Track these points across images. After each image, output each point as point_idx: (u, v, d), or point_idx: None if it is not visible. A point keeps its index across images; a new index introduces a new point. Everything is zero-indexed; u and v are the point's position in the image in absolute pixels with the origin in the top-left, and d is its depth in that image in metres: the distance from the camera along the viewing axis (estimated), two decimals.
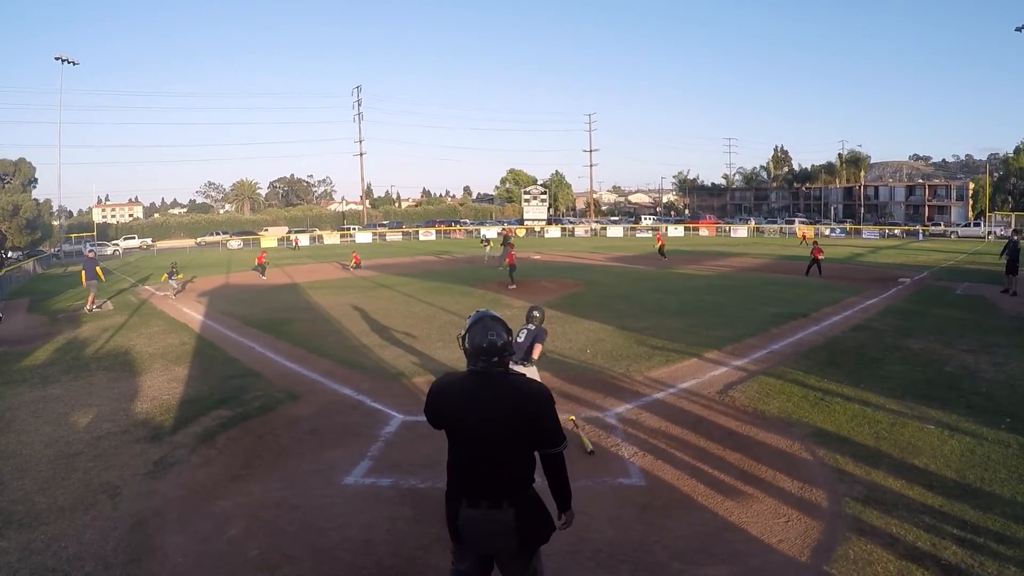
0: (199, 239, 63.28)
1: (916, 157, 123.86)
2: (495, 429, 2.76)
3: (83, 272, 16.73)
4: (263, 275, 23.87)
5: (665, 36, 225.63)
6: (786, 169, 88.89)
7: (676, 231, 60.67)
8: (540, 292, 17.36)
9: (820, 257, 21.42)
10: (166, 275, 20.56)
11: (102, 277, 16.94)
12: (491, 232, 46.41)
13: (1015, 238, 17.63)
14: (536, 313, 5.92)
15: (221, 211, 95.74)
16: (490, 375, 2.86)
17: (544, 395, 2.92)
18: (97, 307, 16.41)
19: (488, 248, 29.33)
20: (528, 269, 23.11)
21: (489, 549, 2.84)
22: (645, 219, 75.86)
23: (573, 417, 6.50)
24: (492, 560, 2.89)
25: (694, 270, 24.38)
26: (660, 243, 31.23)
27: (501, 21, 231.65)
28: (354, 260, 27.99)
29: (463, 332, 2.94)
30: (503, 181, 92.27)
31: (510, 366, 3.02)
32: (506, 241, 25.78)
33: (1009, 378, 8.02)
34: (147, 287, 22.27)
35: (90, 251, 19.61)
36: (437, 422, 2.91)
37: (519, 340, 6.19)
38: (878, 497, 4.83)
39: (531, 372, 6.06)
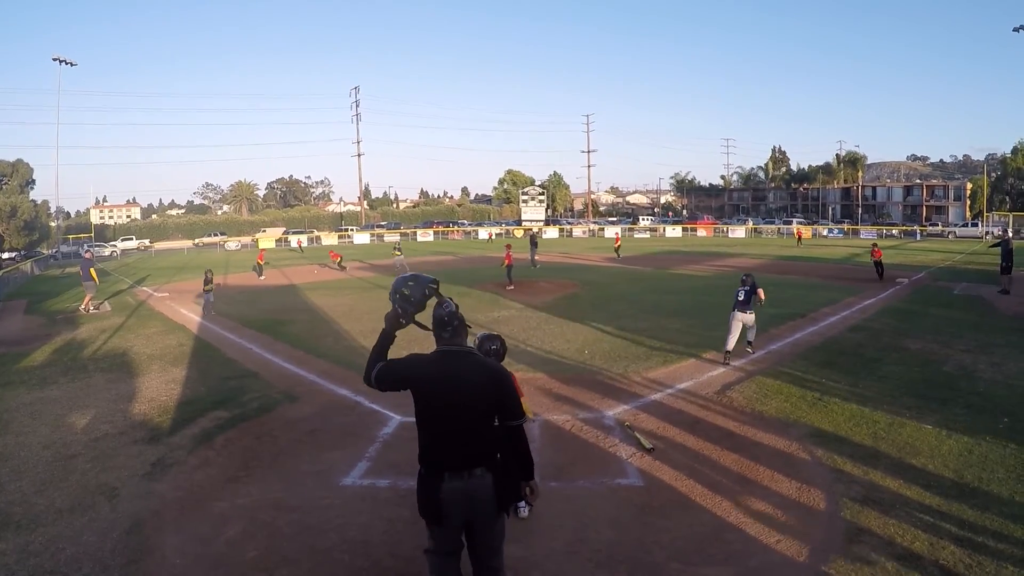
0: (197, 240, 63.24)
1: (914, 157, 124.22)
2: (471, 402, 2.99)
3: (80, 272, 16.70)
4: (261, 275, 23.84)
5: (663, 37, 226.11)
6: (784, 170, 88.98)
7: (674, 232, 60.72)
8: (537, 293, 17.37)
9: (880, 258, 20.16)
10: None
11: (95, 279, 16.79)
12: (411, 237, 46.05)
13: (1006, 238, 17.83)
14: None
15: (219, 212, 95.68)
16: (460, 353, 3.11)
17: (506, 372, 3.23)
18: (94, 308, 16.37)
19: (399, 257, 26.55)
20: (527, 270, 23.12)
21: (470, 516, 3.05)
22: (643, 220, 75.90)
23: (628, 423, 6.57)
24: (464, 532, 3.12)
25: (692, 270, 24.41)
26: (618, 243, 32.17)
27: (499, 21, 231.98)
28: (332, 257, 28.30)
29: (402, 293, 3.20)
30: (501, 182, 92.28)
31: None
32: (533, 240, 25.91)
33: (1007, 378, 8.04)
34: (146, 289, 22.23)
35: (87, 252, 19.54)
36: (395, 385, 3.17)
37: None
38: (876, 497, 4.84)
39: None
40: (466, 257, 34.57)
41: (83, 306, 16.26)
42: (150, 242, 63.45)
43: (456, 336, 3.13)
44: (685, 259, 30.04)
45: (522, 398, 4.25)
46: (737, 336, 9.13)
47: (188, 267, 31.66)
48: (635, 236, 57.64)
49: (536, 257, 25.79)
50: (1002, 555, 4.00)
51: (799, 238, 43.22)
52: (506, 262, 19.21)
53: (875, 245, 21.33)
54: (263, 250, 25.59)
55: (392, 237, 59.63)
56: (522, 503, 4.72)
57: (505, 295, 16.92)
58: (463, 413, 2.99)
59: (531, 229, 34.73)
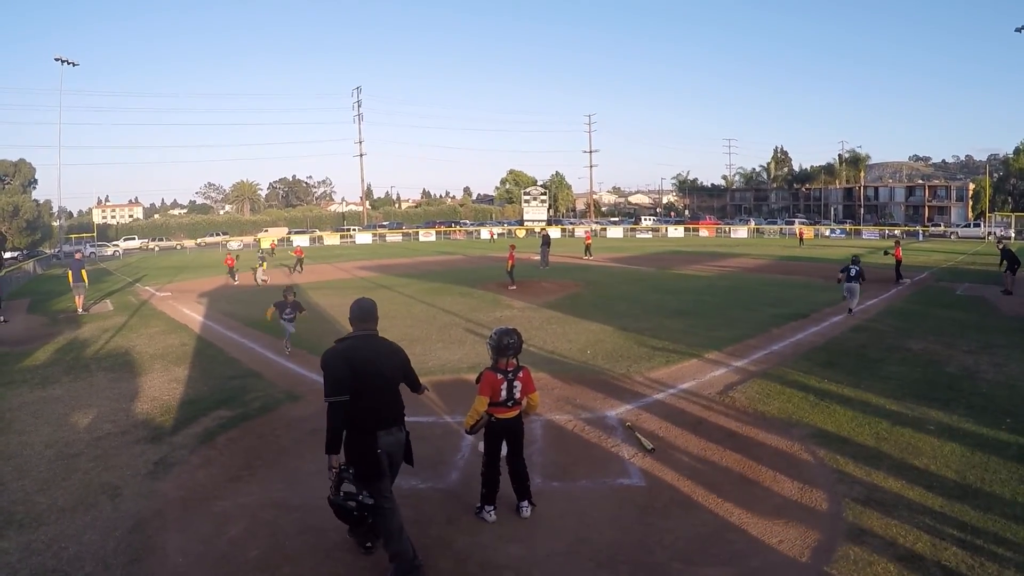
0: (199, 240, 63.36)
1: (916, 158, 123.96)
2: (394, 374, 4.06)
3: (70, 273, 16.67)
4: (234, 279, 23.00)
5: (665, 37, 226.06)
6: (786, 170, 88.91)
7: (676, 232, 60.70)
8: (540, 293, 17.37)
9: (900, 258, 19.48)
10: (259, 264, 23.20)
11: (85, 280, 16.72)
12: (414, 237, 44.89)
13: (1002, 245, 17.92)
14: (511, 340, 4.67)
15: (221, 212, 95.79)
16: (377, 337, 4.10)
17: (406, 356, 4.28)
18: (88, 307, 16.53)
19: (262, 268, 23.30)
20: (531, 270, 23.11)
21: (395, 461, 4.02)
22: (645, 220, 75.88)
23: (630, 423, 6.55)
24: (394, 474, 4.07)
25: (694, 270, 24.39)
26: (588, 241, 32.67)
27: (501, 22, 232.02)
28: (296, 253, 28.39)
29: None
30: (503, 182, 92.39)
31: None
32: (546, 241, 25.92)
33: (1009, 379, 8.02)
34: (148, 288, 22.24)
35: (77, 252, 19.63)
36: (351, 375, 3.79)
37: None
38: (878, 498, 4.83)
39: None
40: (468, 257, 34.60)
41: (79, 307, 16.34)
42: (151, 241, 63.63)
43: (366, 325, 4.07)
44: (687, 259, 30.03)
45: (533, 393, 4.59)
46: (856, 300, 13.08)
47: (190, 267, 31.72)
48: (637, 236, 57.62)
49: (548, 257, 25.70)
50: (1004, 557, 3.99)
51: (801, 238, 43.21)
52: (509, 263, 19.15)
53: (897, 243, 20.43)
54: (230, 255, 25.16)
55: (394, 237, 59.46)
56: (525, 502, 4.76)
57: (507, 295, 16.92)
58: (389, 384, 3.99)
59: (544, 229, 34.78)
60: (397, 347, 4.20)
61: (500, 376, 4.50)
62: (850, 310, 12.98)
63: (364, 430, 3.80)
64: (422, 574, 3.89)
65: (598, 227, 64.81)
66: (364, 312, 4.07)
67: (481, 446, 5.47)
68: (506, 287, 18.18)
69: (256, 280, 22.49)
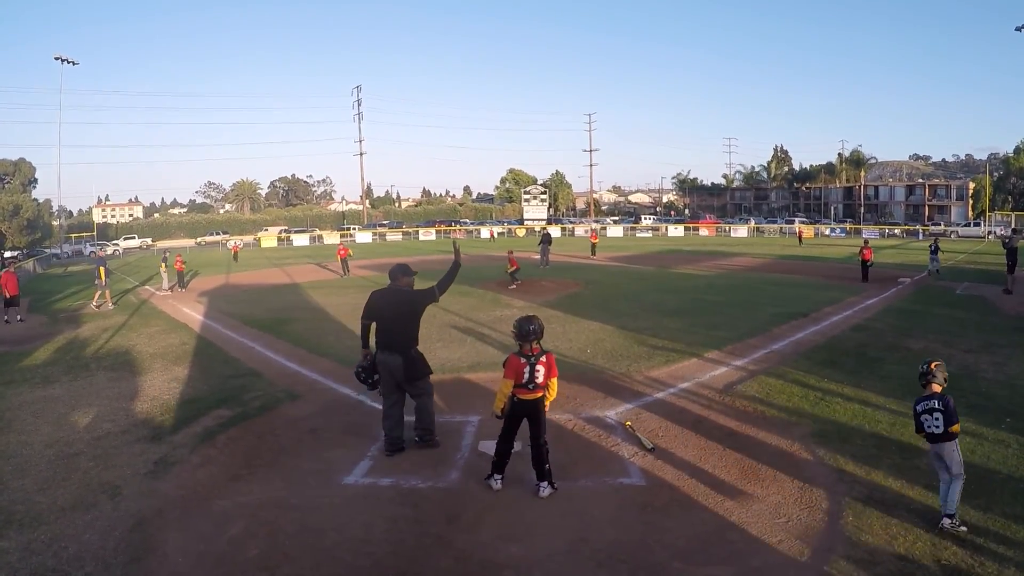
0: (199, 239, 63.36)
1: (916, 157, 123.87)
2: (397, 317, 5.83)
3: (102, 270, 17.47)
4: (182, 286, 21.41)
5: (665, 36, 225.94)
6: (786, 169, 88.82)
7: (676, 231, 60.68)
8: (540, 292, 17.37)
9: (869, 260, 19.42)
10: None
11: (103, 277, 17.29)
12: (414, 236, 44.59)
13: (1011, 239, 17.82)
14: (532, 327, 4.92)
15: (221, 211, 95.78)
16: (396, 290, 5.99)
17: (422, 296, 6.07)
18: (110, 303, 16.96)
19: (165, 274, 21.41)
20: (527, 270, 23.10)
21: (396, 376, 5.80)
22: (645, 219, 75.87)
23: (629, 423, 6.55)
24: (396, 383, 5.84)
25: (694, 270, 24.38)
26: (594, 240, 32.76)
27: (501, 21, 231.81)
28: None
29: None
30: (503, 181, 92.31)
31: None
32: (546, 239, 25.91)
33: (1009, 378, 8.02)
34: (148, 288, 22.23)
35: (100, 250, 20.20)
36: (371, 315, 5.94)
37: None
38: (878, 497, 4.83)
39: None
40: (468, 256, 34.58)
41: (94, 303, 16.85)
42: (152, 240, 63.64)
43: (397, 280, 6.00)
44: (687, 258, 30.03)
45: (554, 377, 5.04)
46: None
47: (192, 264, 31.66)
48: (637, 235, 57.62)
49: (549, 256, 25.66)
50: (1004, 556, 3.99)
51: (800, 238, 43.31)
52: (512, 267, 18.91)
53: (866, 243, 20.64)
54: (179, 255, 22.77)
55: (394, 236, 59.18)
56: (544, 483, 4.93)
57: (507, 294, 16.91)
58: (392, 322, 5.81)
59: (545, 228, 34.80)
60: (410, 297, 5.99)
61: (524, 360, 4.82)
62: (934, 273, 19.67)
63: (377, 347, 5.86)
64: (434, 446, 5.90)
65: (598, 226, 64.83)
66: (391, 273, 6.07)
67: (467, 443, 5.99)
68: (506, 286, 18.17)
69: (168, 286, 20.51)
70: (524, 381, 4.82)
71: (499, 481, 5.06)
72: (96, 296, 17.11)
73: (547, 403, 5.05)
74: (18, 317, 15.23)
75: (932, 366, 4.50)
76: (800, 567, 3.98)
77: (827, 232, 55.10)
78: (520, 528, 4.54)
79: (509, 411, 4.95)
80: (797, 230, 48.37)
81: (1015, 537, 4.21)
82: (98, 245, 47.69)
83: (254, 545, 4.34)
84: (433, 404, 6.04)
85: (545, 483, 4.97)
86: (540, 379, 4.84)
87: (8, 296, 15.35)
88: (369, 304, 5.93)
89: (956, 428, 4.32)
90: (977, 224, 52.83)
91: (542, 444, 4.97)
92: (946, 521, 4.26)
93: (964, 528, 4.23)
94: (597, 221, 72.05)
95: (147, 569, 4.08)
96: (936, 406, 4.36)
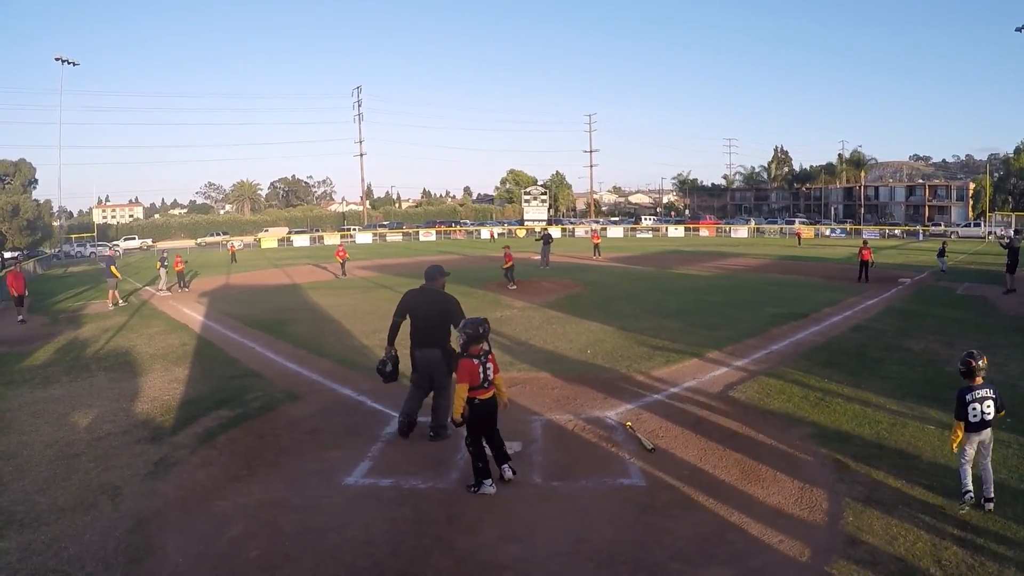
0: (199, 240, 63.37)
1: (916, 157, 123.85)
2: (430, 315, 6.06)
3: (113, 268, 18.05)
4: (184, 286, 21.51)
5: (665, 36, 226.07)
6: (786, 169, 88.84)
7: (676, 231, 60.70)
8: (540, 292, 17.36)
9: (869, 259, 19.44)
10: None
11: (116, 275, 17.95)
12: (414, 237, 44.99)
13: (1012, 239, 17.86)
14: (483, 329, 5.13)
15: (221, 212, 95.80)
16: (430, 290, 6.26)
17: (455, 301, 6.16)
18: (114, 304, 17.16)
19: (164, 275, 21.17)
20: (531, 270, 23.11)
21: (431, 370, 6.08)
22: (645, 219, 75.87)
23: (630, 423, 6.55)
24: (431, 377, 6.12)
25: (694, 270, 24.38)
26: (596, 241, 32.87)
27: (501, 22, 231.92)
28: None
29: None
30: (503, 181, 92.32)
31: None
32: (547, 239, 25.92)
33: (1009, 379, 8.01)
34: (149, 288, 22.23)
35: (111, 249, 20.59)
36: (404, 312, 6.19)
37: None
38: (879, 497, 4.83)
39: None
40: (468, 257, 34.60)
41: (110, 301, 17.14)
42: (152, 241, 63.66)
43: (431, 281, 6.28)
44: (687, 259, 30.02)
45: (498, 374, 5.21)
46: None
47: (192, 265, 31.65)
48: (637, 236, 57.61)
49: (549, 257, 25.67)
50: (1004, 557, 3.99)
51: (799, 239, 43.43)
52: (507, 263, 19.12)
53: (865, 243, 20.69)
54: (179, 256, 22.85)
55: (394, 237, 59.17)
56: (506, 466, 5.22)
57: (507, 295, 16.91)
58: (427, 320, 6.06)
59: (545, 228, 34.75)
60: (444, 299, 6.13)
61: (476, 362, 4.98)
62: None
63: (412, 344, 6.15)
64: (443, 437, 6.15)
65: (598, 226, 64.82)
66: (426, 274, 6.37)
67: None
68: (506, 287, 18.18)
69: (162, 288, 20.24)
70: (480, 382, 4.98)
71: (492, 486, 5.05)
72: (111, 295, 17.42)
73: (504, 398, 5.30)
74: (19, 317, 15.23)
75: (984, 360, 4.77)
76: (800, 567, 3.98)
77: (827, 233, 55.11)
78: (520, 528, 4.54)
79: (470, 415, 5.01)
80: (796, 231, 48.49)
81: (1015, 537, 4.21)
82: (108, 245, 47.91)
83: (254, 546, 4.34)
84: (450, 401, 5.99)
85: (507, 466, 5.22)
86: (491, 376, 5.06)
87: (15, 295, 15.42)
88: (404, 302, 6.19)
89: (1002, 413, 4.82)
90: (977, 224, 52.79)
91: (497, 434, 5.24)
92: (989, 505, 4.59)
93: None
94: (597, 222, 72.05)
95: (147, 570, 4.08)
96: (990, 395, 4.69)
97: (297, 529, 4.57)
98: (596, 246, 31.99)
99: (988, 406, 4.66)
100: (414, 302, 6.15)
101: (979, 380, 4.73)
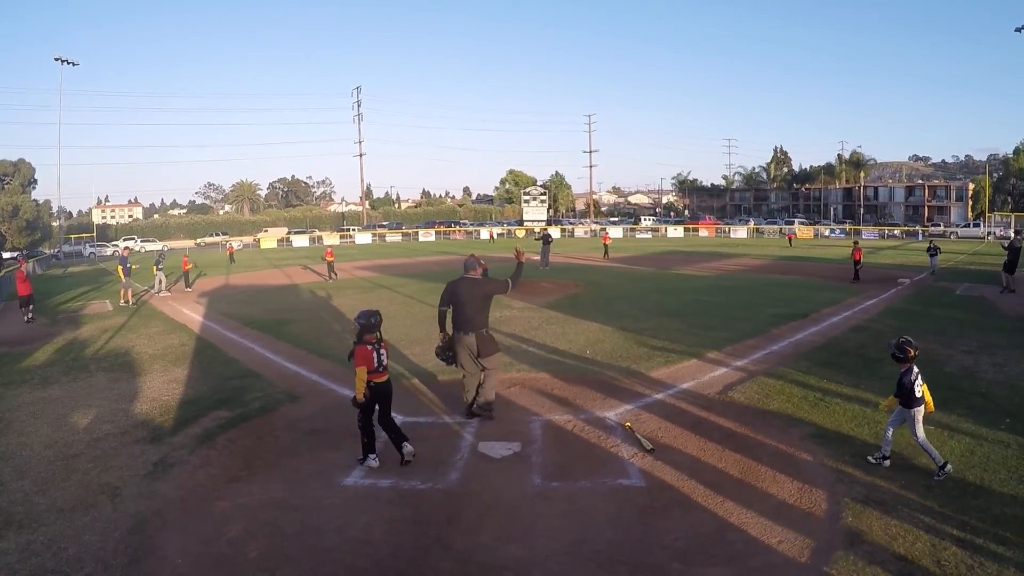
0: (199, 240, 63.34)
1: (916, 158, 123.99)
2: (471, 302, 6.69)
3: (120, 268, 18.25)
4: (188, 286, 21.39)
5: (665, 36, 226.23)
6: (786, 170, 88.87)
7: (676, 232, 60.71)
8: (539, 293, 17.35)
9: (859, 260, 19.60)
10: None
11: (121, 275, 18.01)
12: (413, 237, 44.81)
13: (1012, 240, 17.86)
14: (374, 320, 5.71)
15: (221, 212, 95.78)
16: (469, 279, 6.85)
17: (494, 285, 7.03)
18: (124, 302, 17.27)
19: (159, 275, 20.19)
20: (527, 270, 23.09)
21: (473, 351, 6.67)
22: (645, 220, 75.88)
23: (629, 423, 6.55)
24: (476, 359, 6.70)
25: (694, 271, 24.39)
26: (606, 242, 32.50)
27: (501, 22, 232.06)
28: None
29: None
30: (503, 182, 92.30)
31: None
32: (546, 240, 25.82)
33: (1009, 379, 8.02)
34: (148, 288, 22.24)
35: (125, 248, 20.81)
36: (446, 300, 6.86)
37: None
38: (878, 498, 4.83)
39: None
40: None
41: (122, 300, 17.31)
42: (136, 242, 63.49)
43: (470, 271, 6.89)
44: (687, 259, 30.03)
45: (358, 368, 5.50)
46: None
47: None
48: (637, 236, 57.62)
49: (549, 257, 25.60)
50: (1004, 557, 3.99)
51: (791, 240, 44.43)
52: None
53: (855, 243, 20.74)
54: (186, 255, 22.55)
55: (394, 237, 59.17)
56: (406, 443, 5.69)
57: (506, 295, 16.86)
58: (467, 307, 6.67)
59: (545, 229, 34.58)
60: (480, 285, 6.86)
61: (370, 348, 5.53)
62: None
63: (456, 330, 6.76)
64: (489, 418, 6.72)
65: (598, 227, 64.85)
66: (465, 264, 7.02)
67: (467, 444, 6.05)
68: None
69: (160, 290, 19.74)
70: (376, 366, 5.53)
71: (375, 459, 5.64)
72: (129, 293, 17.54)
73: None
74: (25, 317, 15.22)
75: (915, 348, 5.39)
76: (800, 567, 3.98)
77: (827, 233, 55.13)
78: (519, 529, 4.54)
79: (371, 397, 5.55)
80: (788, 233, 49.67)
81: (1015, 537, 4.21)
82: (121, 245, 48.04)
83: (254, 546, 4.34)
84: (495, 382, 6.93)
85: (407, 443, 5.70)
86: (385, 361, 5.64)
87: (22, 295, 15.48)
88: (446, 292, 6.82)
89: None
90: (977, 225, 52.84)
91: (391, 418, 5.79)
92: (947, 470, 5.22)
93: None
94: (596, 222, 72.05)
95: (146, 570, 4.08)
96: (917, 377, 5.31)
97: (296, 529, 4.57)
98: (606, 247, 31.77)
99: (920, 385, 5.28)
100: (455, 291, 6.71)
101: (908, 366, 5.33)
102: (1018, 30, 41.44)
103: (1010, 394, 7.39)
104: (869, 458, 5.53)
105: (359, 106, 71.78)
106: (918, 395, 5.26)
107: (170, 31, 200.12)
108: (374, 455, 5.66)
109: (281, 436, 6.50)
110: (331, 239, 57.22)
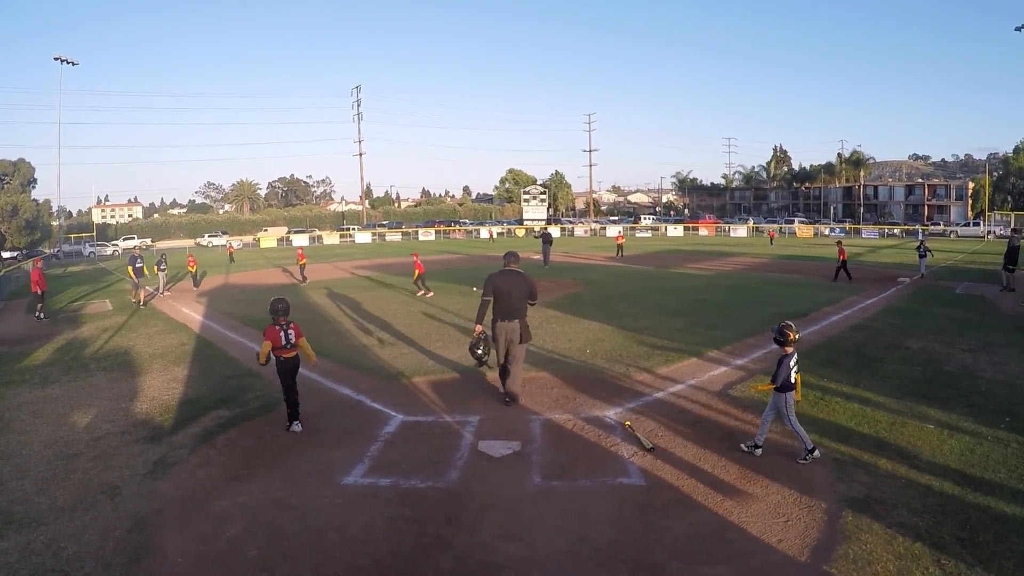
0: (199, 239, 63.30)
1: (915, 156, 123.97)
2: (513, 292, 7.17)
3: (130, 268, 18.30)
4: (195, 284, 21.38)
5: (665, 36, 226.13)
6: (786, 169, 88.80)
7: (675, 231, 60.68)
8: (540, 292, 17.30)
9: (844, 259, 19.62)
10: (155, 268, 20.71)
11: (131, 275, 18.14)
12: (413, 236, 44.03)
13: (1012, 238, 17.75)
14: (281, 305, 6.76)
15: (220, 211, 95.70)
16: (511, 272, 7.34)
17: (533, 282, 7.44)
18: (135, 300, 17.39)
19: (162, 276, 20.32)
20: (527, 269, 23.08)
21: (512, 338, 7.18)
22: (644, 219, 75.86)
23: (629, 422, 6.55)
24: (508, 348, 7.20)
25: (694, 270, 24.38)
26: (620, 241, 32.03)
27: (501, 21, 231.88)
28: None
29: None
30: (503, 181, 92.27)
31: None
32: (547, 239, 25.73)
33: (1008, 377, 8.02)
34: (148, 288, 22.23)
35: (135, 248, 20.91)
36: (491, 291, 7.20)
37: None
38: (878, 496, 4.83)
39: None
40: (468, 257, 34.60)
41: (134, 299, 17.47)
42: (152, 241, 63.59)
43: (511, 264, 7.40)
44: (687, 258, 30.02)
45: (301, 339, 6.73)
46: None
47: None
48: (637, 235, 57.60)
49: (549, 256, 25.54)
50: (1004, 556, 3.99)
51: (771, 238, 45.81)
52: (417, 271, 17.80)
53: (839, 243, 20.77)
54: (191, 255, 22.67)
55: (394, 236, 59.17)
56: (296, 423, 6.59)
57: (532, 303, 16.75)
58: (510, 297, 7.17)
59: (545, 228, 34.40)
60: (522, 278, 7.32)
61: (278, 328, 6.54)
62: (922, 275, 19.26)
63: (495, 317, 7.21)
64: (515, 402, 7.21)
65: (597, 226, 64.83)
66: (505, 257, 7.53)
67: (467, 443, 6.12)
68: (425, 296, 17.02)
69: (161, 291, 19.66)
70: (283, 343, 6.48)
71: (298, 424, 6.59)
72: (141, 294, 17.57)
73: (312, 358, 6.88)
74: (37, 315, 15.22)
75: (795, 332, 5.61)
76: (800, 567, 3.98)
77: (827, 232, 55.09)
78: (519, 528, 4.54)
79: (279, 368, 6.55)
80: (769, 231, 50.56)
81: (1015, 536, 4.21)
82: (132, 244, 48.34)
83: (253, 545, 4.34)
84: (520, 370, 7.47)
85: (297, 423, 6.58)
86: (293, 340, 6.54)
87: (36, 292, 15.53)
88: (490, 283, 7.24)
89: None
90: (976, 224, 52.81)
91: (295, 391, 6.63)
92: (815, 454, 5.48)
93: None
94: (597, 221, 72.03)
95: (146, 569, 4.08)
96: (795, 361, 5.53)
97: (296, 529, 4.57)
98: (620, 246, 31.44)
99: (795, 370, 5.50)
100: (500, 283, 7.19)
101: (790, 349, 5.51)
102: (1018, 29, 41.44)
103: (1010, 393, 7.39)
104: (742, 446, 5.75)
105: (359, 105, 71.78)
106: (792, 380, 5.45)
107: (170, 31, 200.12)
108: (297, 421, 6.59)
109: (281, 435, 6.50)
110: (331, 238, 57.23)
